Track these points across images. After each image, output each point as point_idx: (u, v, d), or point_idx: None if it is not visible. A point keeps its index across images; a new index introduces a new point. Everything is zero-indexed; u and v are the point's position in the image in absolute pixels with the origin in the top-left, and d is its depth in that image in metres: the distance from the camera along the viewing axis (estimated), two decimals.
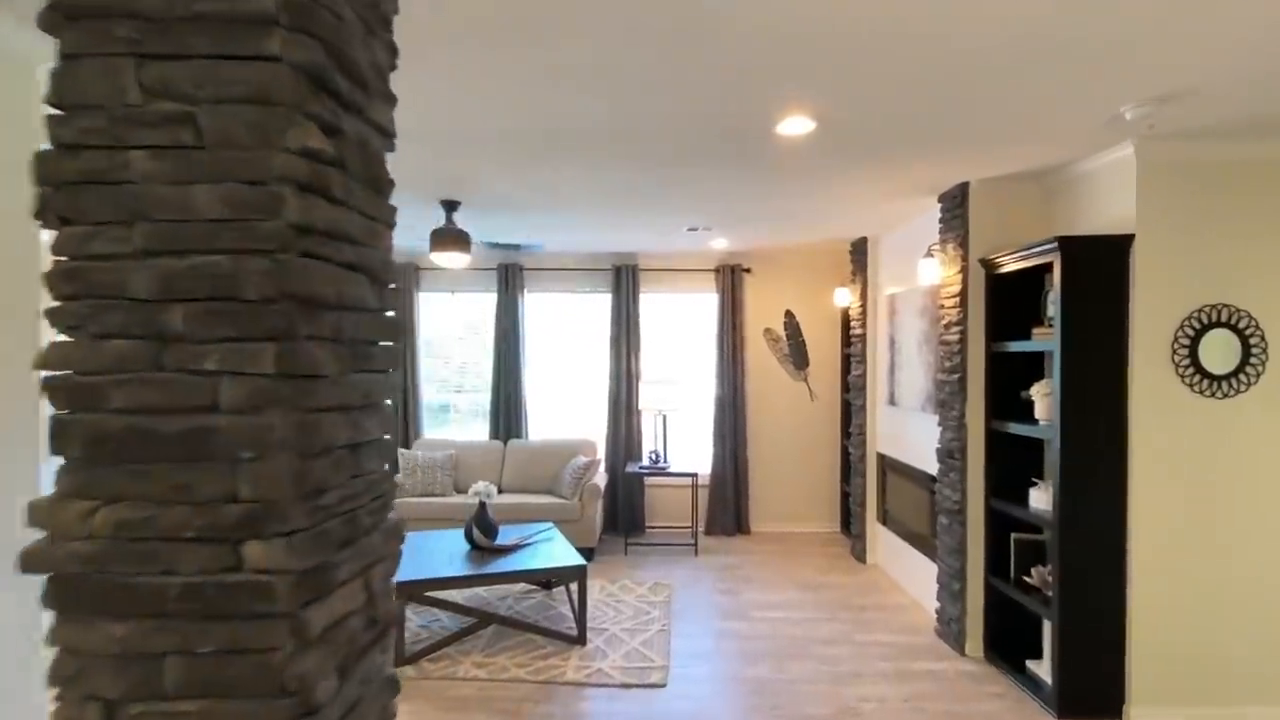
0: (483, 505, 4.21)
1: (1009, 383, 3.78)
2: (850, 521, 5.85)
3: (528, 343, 6.54)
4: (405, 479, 5.71)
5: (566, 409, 6.66)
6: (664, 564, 5.47)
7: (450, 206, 4.35)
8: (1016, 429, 3.57)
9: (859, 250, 5.68)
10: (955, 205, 3.98)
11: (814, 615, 4.42)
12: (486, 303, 6.62)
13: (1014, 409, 3.75)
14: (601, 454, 6.41)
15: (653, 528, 6.47)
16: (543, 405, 6.63)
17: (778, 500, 6.51)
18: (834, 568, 5.42)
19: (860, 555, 5.58)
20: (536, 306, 6.65)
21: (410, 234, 5.25)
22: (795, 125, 2.90)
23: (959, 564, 3.92)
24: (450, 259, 4.38)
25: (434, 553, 4.11)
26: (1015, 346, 3.60)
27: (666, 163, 3.49)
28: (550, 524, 4.75)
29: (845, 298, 6.02)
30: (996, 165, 3.56)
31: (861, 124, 2.91)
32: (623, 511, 6.27)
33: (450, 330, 6.73)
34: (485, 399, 6.55)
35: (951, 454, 4.00)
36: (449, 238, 4.31)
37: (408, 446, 6.35)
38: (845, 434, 6.27)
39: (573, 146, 3.24)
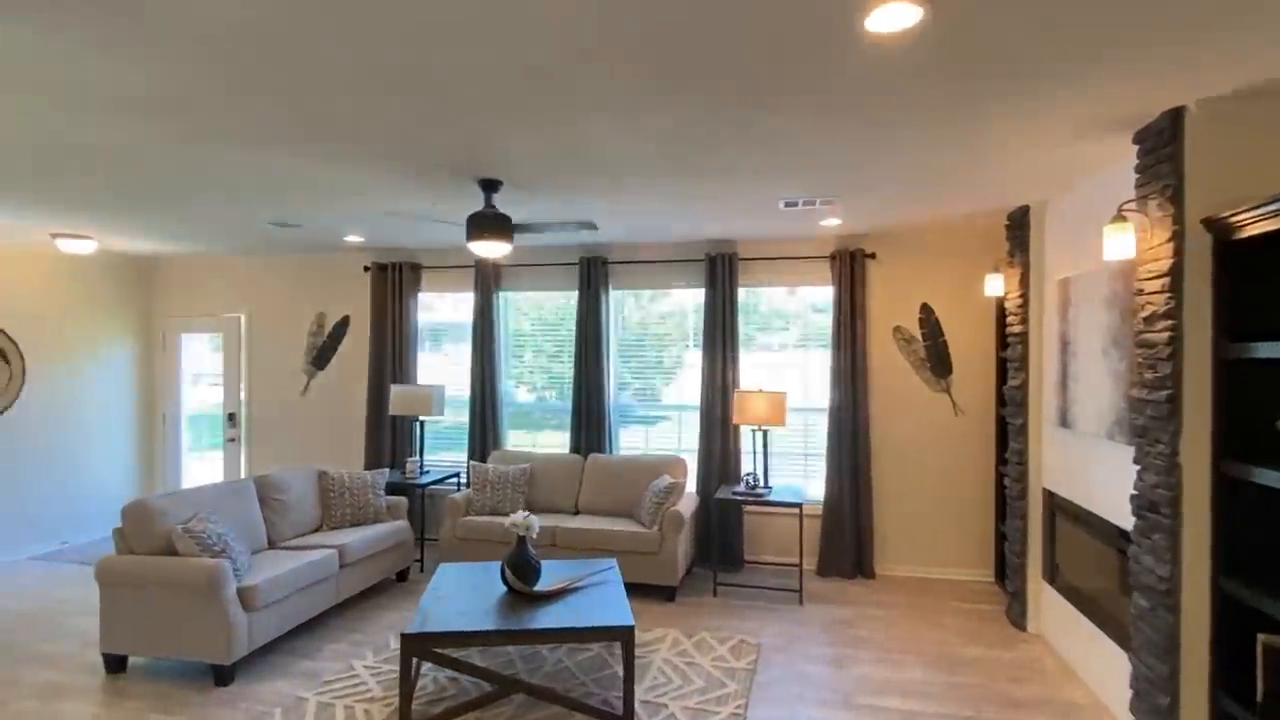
0: (521, 542, 3.53)
1: (1254, 405, 2.49)
2: (1006, 571, 4.56)
3: (613, 345, 5.83)
4: (475, 495, 5.20)
5: (657, 421, 5.86)
6: (759, 612, 4.52)
7: (489, 187, 3.71)
8: (1268, 478, 2.29)
9: (1018, 223, 4.39)
10: (1161, 144, 2.73)
11: (949, 711, 3.30)
12: (567, 302, 5.99)
13: (1262, 446, 2.46)
14: (692, 474, 5.55)
15: (754, 563, 5.51)
16: (630, 416, 5.89)
17: (911, 538, 5.30)
18: (982, 633, 4.19)
19: (1018, 619, 4.29)
20: (623, 304, 5.92)
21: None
22: (893, 15, 1.91)
23: (1167, 668, 2.66)
24: (489, 248, 3.74)
25: (463, 595, 3.49)
26: (1267, 351, 2.32)
27: (725, 101, 2.60)
28: (612, 562, 3.99)
29: (999, 286, 4.72)
30: (1231, 73, 2.32)
31: (1000, 7, 1.87)
32: (716, 543, 5.37)
33: (532, 332, 6.18)
34: (567, 408, 5.92)
35: (1155, 506, 2.75)
36: (486, 223, 3.67)
37: (483, 458, 5.86)
38: (1000, 459, 4.95)
39: (603, 86, 2.45)
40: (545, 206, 4.30)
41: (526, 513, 3.57)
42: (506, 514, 5.18)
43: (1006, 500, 4.54)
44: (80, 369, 6.22)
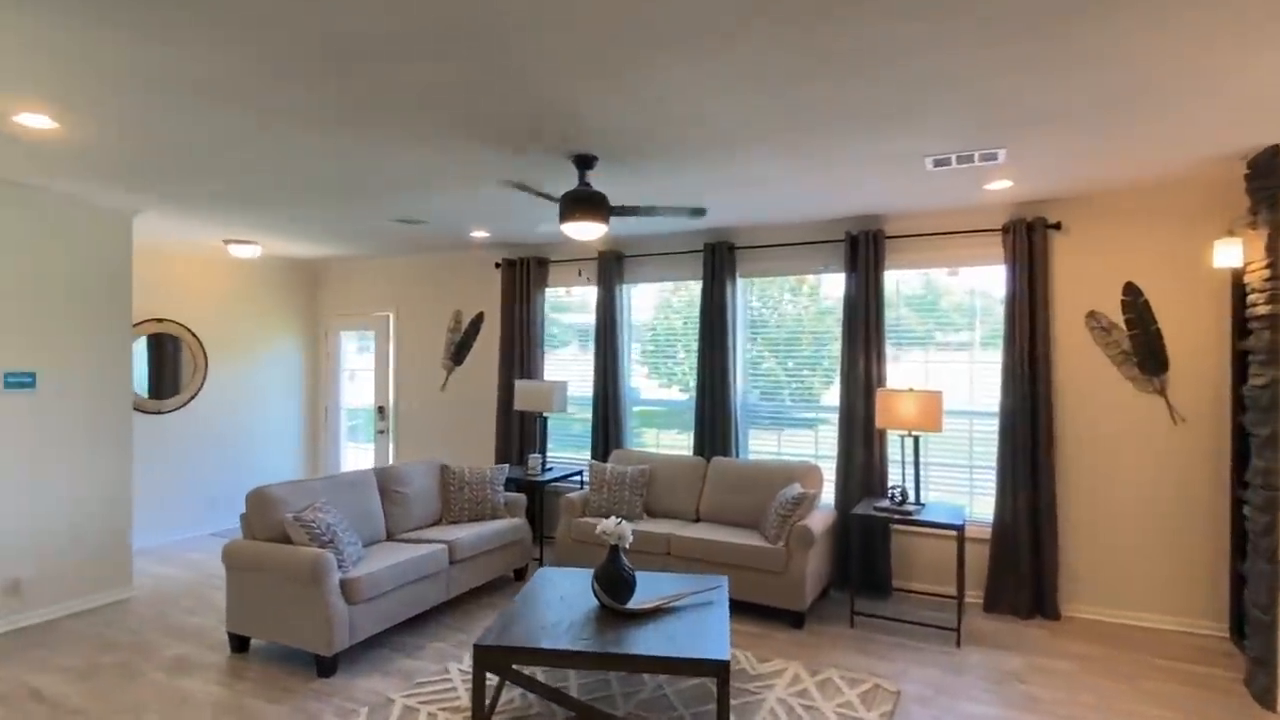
0: (613, 552, 3.18)
1: None
2: (1245, 627, 3.47)
3: (739, 339, 5.33)
4: (592, 496, 4.95)
5: (790, 423, 5.27)
6: (904, 652, 3.82)
7: (583, 164, 3.41)
8: None
9: (1264, 170, 3.32)
10: None
11: None
12: (691, 293, 5.59)
13: None
14: (830, 484, 4.90)
15: (903, 591, 4.75)
16: (759, 416, 5.35)
17: (1109, 573, 4.27)
18: (1208, 709, 3.19)
19: (1264, 694, 3.22)
20: (751, 293, 5.40)
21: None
22: None
23: None
24: (582, 229, 3.44)
25: (553, 604, 3.21)
26: None
27: (842, 14, 2.07)
28: (721, 581, 3.52)
29: (1235, 256, 3.63)
30: None
31: None
32: (857, 565, 4.69)
33: (655, 326, 5.83)
34: (692, 406, 5.51)
35: None
36: (578, 202, 3.37)
37: (604, 458, 5.62)
38: (1238, 481, 3.82)
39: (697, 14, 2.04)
40: (649, 185, 3.93)
41: (619, 519, 3.22)
42: (623, 516, 4.88)
43: (1248, 534, 3.46)
44: (254, 364, 6.84)
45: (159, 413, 6.02)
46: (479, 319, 6.48)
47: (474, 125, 2.99)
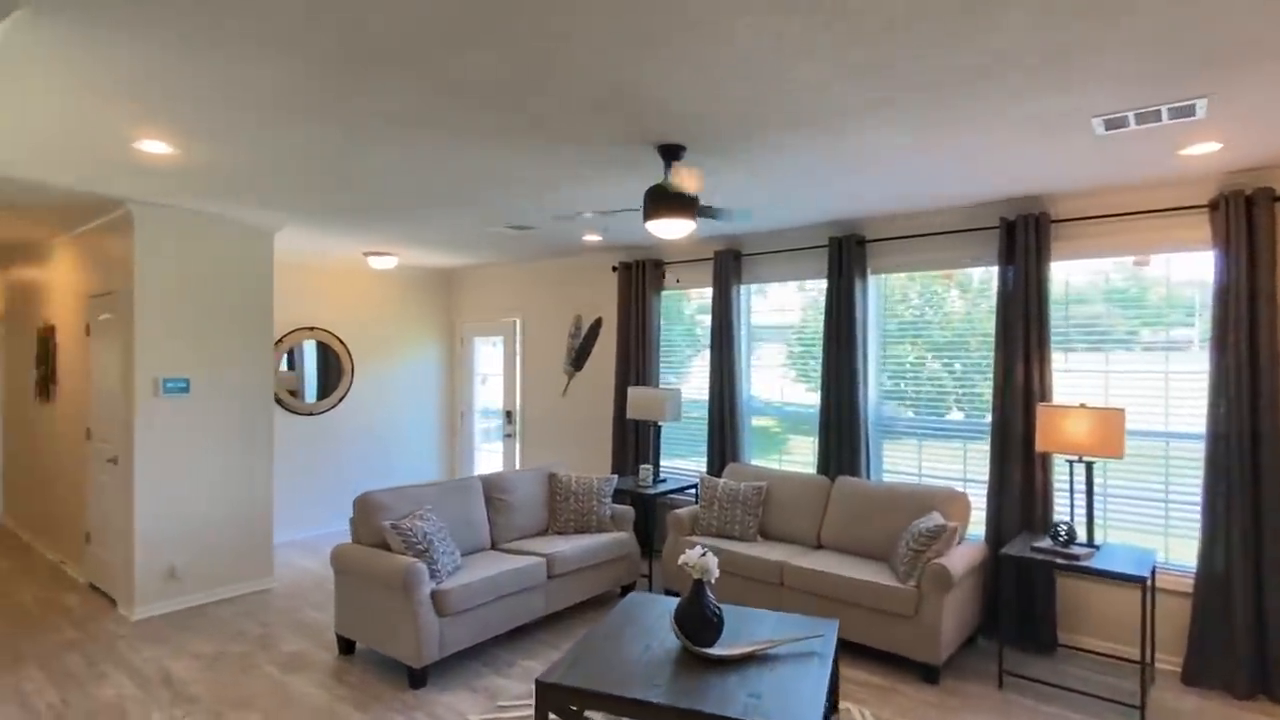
0: (698, 587, 2.83)
1: None
2: None
3: (871, 343, 4.73)
4: (702, 512, 4.62)
5: (933, 439, 4.59)
6: None
7: (670, 154, 3.10)
8: None
9: None
10: None
11: None
12: (817, 293, 5.06)
13: None
14: (979, 515, 4.19)
15: (1070, 648, 3.93)
16: (895, 431, 4.72)
17: None
18: None
19: None
20: (884, 291, 4.77)
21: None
22: None
23: None
24: (668, 227, 3.13)
25: (634, 638, 2.92)
26: None
27: None
28: (829, 626, 3.05)
29: None
30: None
31: None
32: (1011, 612, 3.96)
33: (776, 329, 5.36)
34: (814, 419, 4.98)
35: None
36: (663, 197, 3.06)
37: (719, 471, 5.25)
38: None
39: None
40: (745, 174, 3.52)
41: (703, 549, 2.86)
42: (734, 537, 4.50)
43: None
44: (396, 369, 7.23)
45: (311, 414, 6.51)
46: (598, 324, 6.36)
47: (543, 123, 2.78)
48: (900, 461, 4.69)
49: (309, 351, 6.50)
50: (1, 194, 4.02)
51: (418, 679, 3.47)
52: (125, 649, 3.89)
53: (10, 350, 6.84)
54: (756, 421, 5.41)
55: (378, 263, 6.27)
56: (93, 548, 4.92)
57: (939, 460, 4.53)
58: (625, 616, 3.19)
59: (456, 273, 7.66)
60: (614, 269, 6.13)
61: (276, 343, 6.24)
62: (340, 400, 6.72)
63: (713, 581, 2.85)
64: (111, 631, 4.13)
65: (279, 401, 6.26)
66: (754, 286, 5.40)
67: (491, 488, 4.57)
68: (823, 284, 4.95)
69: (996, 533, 4.07)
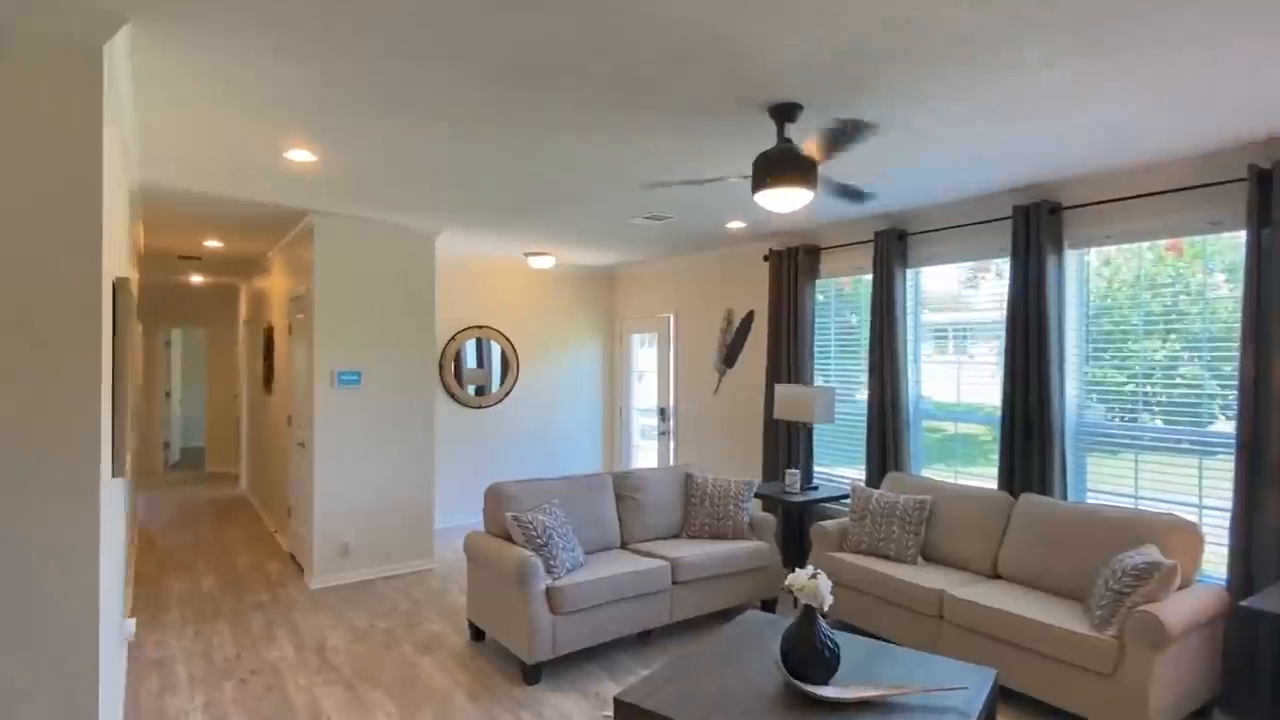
0: (809, 615, 2.43)
1: None
2: None
3: (1069, 333, 3.89)
4: (853, 526, 4.11)
5: (1152, 452, 3.65)
6: None
7: (782, 115, 2.72)
8: None
9: None
10: None
11: None
12: (993, 274, 4.28)
13: None
14: (1216, 554, 3.23)
15: None
16: (1100, 440, 3.83)
17: None
18: None
19: None
20: (1087, 268, 3.89)
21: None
22: None
23: None
24: (782, 198, 2.74)
25: (739, 663, 2.59)
26: None
27: None
28: (986, 677, 2.47)
29: None
30: None
31: None
32: (1261, 682, 2.99)
33: (950, 317, 4.63)
34: (997, 423, 4.21)
35: None
36: (776, 163, 2.69)
37: (878, 481, 4.65)
38: None
39: None
40: (876, 133, 2.99)
41: (815, 570, 2.45)
42: (889, 556, 3.93)
43: None
44: (558, 365, 7.43)
45: (480, 407, 6.89)
46: (749, 318, 6.00)
47: (637, 94, 2.56)
48: (1109, 479, 3.80)
49: (478, 348, 6.89)
50: (208, 210, 4.68)
51: (531, 675, 3.41)
52: (299, 616, 4.31)
53: (251, 348, 8.09)
54: (927, 426, 4.72)
55: (537, 262, 6.47)
56: (292, 522, 5.58)
57: (1163, 479, 3.58)
58: (737, 637, 2.86)
59: (615, 271, 7.71)
60: (765, 258, 5.73)
61: (449, 339, 6.68)
62: (507, 394, 7.04)
63: (825, 609, 2.43)
64: (294, 598, 4.62)
65: (450, 394, 6.70)
66: (922, 270, 4.72)
67: (623, 485, 4.44)
68: (1004, 262, 4.18)
69: (1244, 577, 3.10)
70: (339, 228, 4.92)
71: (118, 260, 2.79)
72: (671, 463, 6.84)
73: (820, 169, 3.51)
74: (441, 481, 6.64)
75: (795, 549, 5.13)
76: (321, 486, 4.85)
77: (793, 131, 2.90)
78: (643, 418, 7.53)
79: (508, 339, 7.07)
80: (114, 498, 2.60)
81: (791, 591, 2.44)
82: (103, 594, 2.05)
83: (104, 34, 2.01)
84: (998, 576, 3.69)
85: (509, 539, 3.79)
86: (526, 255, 6.47)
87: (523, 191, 4.11)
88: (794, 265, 5.35)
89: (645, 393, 7.49)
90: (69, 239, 1.98)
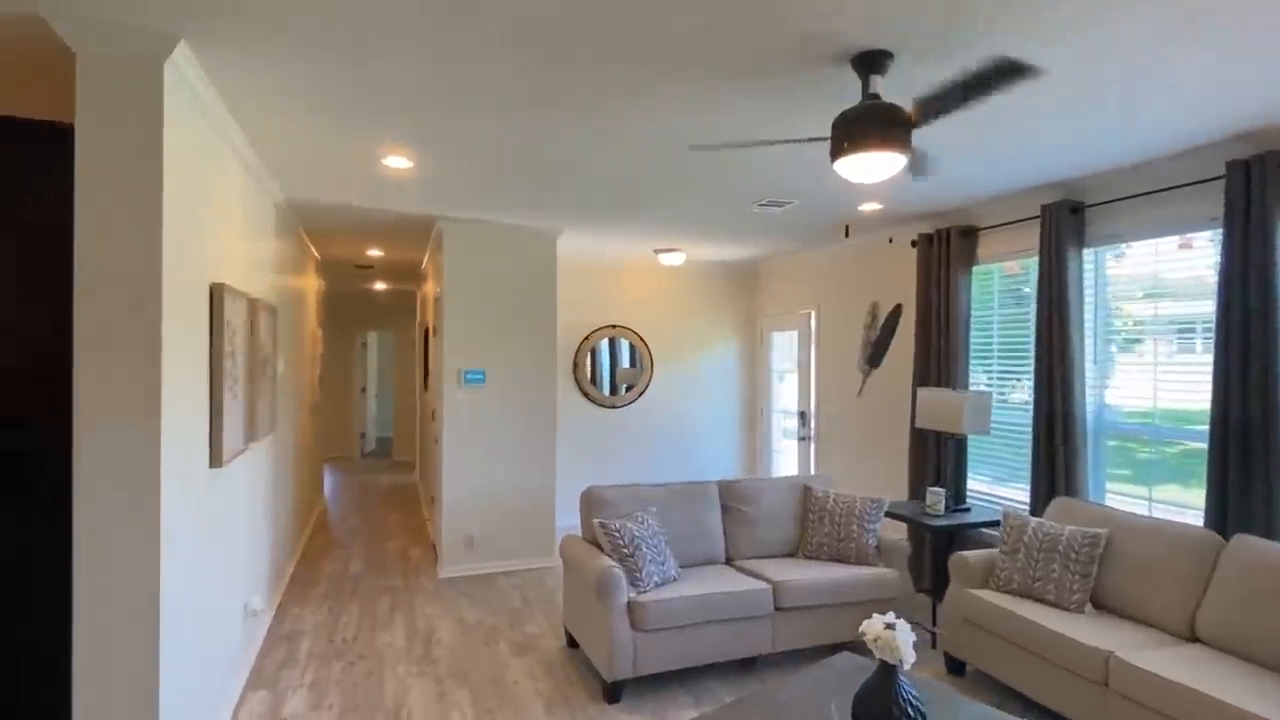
0: (886, 673, 1.98)
1: None
2: None
3: None
4: (1003, 560, 3.43)
5: None
6: None
7: (868, 66, 2.26)
8: None
9: None
10: None
11: None
12: (1195, 254, 3.34)
13: None
14: None
15: None
16: None
17: None
18: None
19: None
20: None
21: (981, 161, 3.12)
22: None
23: None
24: (866, 164, 2.29)
25: (810, 716, 2.19)
26: None
27: None
28: None
29: None
30: None
31: None
32: None
33: (1144, 306, 3.71)
34: (1200, 443, 3.28)
35: None
36: (860, 123, 2.24)
37: (1043, 505, 3.85)
38: None
39: None
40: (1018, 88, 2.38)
41: (894, 618, 1.99)
42: (1047, 601, 3.22)
43: None
44: (694, 365, 7.19)
45: (613, 407, 6.85)
46: (896, 312, 5.33)
47: (714, 57, 2.26)
48: None
49: (611, 348, 6.86)
50: (352, 221, 5.05)
51: (611, 693, 3.23)
52: (420, 603, 4.51)
53: (420, 349, 8.78)
54: (1110, 441, 3.84)
55: (667, 259, 6.29)
56: (433, 511, 5.91)
57: None
58: (818, 683, 2.45)
59: (757, 265, 7.30)
60: (913, 243, 5.05)
61: (583, 339, 6.72)
62: (640, 395, 6.94)
63: (906, 666, 1.96)
64: (422, 586, 4.86)
65: (584, 394, 6.73)
66: (1105, 250, 3.85)
67: (730, 496, 4.10)
68: (1214, 235, 3.25)
69: None
70: (463, 231, 5.10)
71: (230, 269, 3.03)
72: (811, 471, 6.31)
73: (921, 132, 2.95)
74: (572, 481, 6.69)
75: (940, 579, 4.44)
76: (448, 480, 5.06)
77: (883, 86, 2.41)
78: (786, 420, 7.06)
79: (641, 338, 6.96)
80: (225, 484, 2.81)
81: (869, 644, 2.00)
82: (164, 572, 2.18)
83: (161, 53, 2.14)
84: (1195, 639, 2.86)
85: (600, 546, 3.63)
86: (656, 252, 6.31)
87: (622, 182, 3.93)
88: (945, 250, 4.64)
89: (787, 394, 7.01)
90: (132, 244, 2.12)
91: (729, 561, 3.98)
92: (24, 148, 2.22)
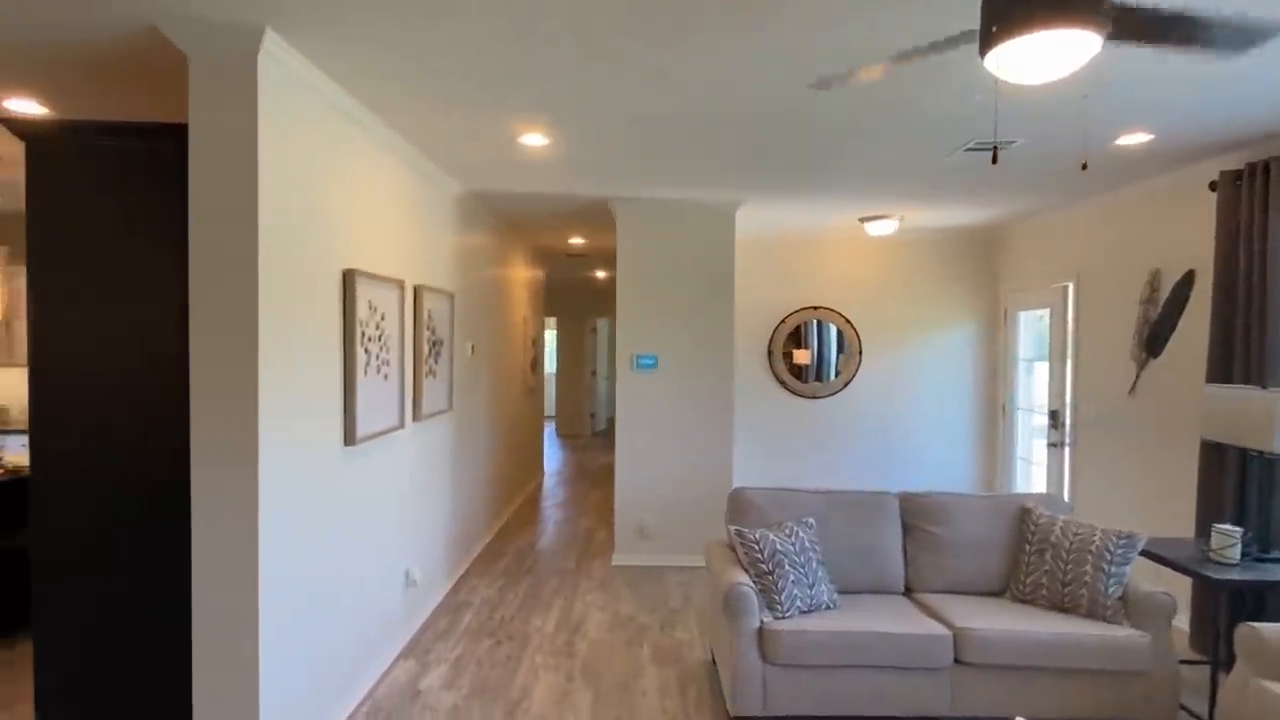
0: None
1: None
2: None
3: None
4: None
5: None
6: None
7: None
8: None
9: None
10: None
11: None
12: None
13: None
14: None
15: None
16: None
17: None
18: None
19: None
20: None
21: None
22: None
23: None
24: (1036, 53, 1.54)
25: None
26: None
27: None
28: None
29: None
30: None
31: None
32: None
33: None
34: None
35: None
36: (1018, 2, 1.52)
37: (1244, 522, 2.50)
38: None
39: None
40: None
41: None
42: None
43: None
44: (914, 350, 6.20)
45: (814, 397, 6.20)
46: (1187, 281, 3.95)
47: None
48: None
49: (815, 331, 6.20)
50: (531, 208, 5.13)
51: None
52: (584, 590, 4.46)
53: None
54: None
55: (875, 229, 5.46)
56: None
57: None
58: None
59: (994, 231, 6.05)
60: (1211, 186, 3.67)
61: (780, 322, 6.17)
62: (846, 385, 6.19)
63: None
64: (592, 572, 4.82)
65: (779, 382, 6.18)
66: None
67: (915, 512, 3.35)
68: None
69: None
70: (634, 210, 4.90)
71: (376, 256, 3.16)
72: (1065, 483, 5.05)
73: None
74: (758, 478, 6.19)
75: (1224, 650, 3.18)
76: (621, 466, 4.95)
77: None
78: (1037, 420, 5.77)
79: (848, 320, 6.18)
80: (366, 461, 2.94)
81: None
82: (263, 539, 2.29)
83: (250, 46, 2.21)
84: None
85: (738, 558, 3.19)
86: (862, 221, 5.51)
87: (789, 134, 3.39)
88: (1262, 191, 3.28)
89: (1038, 389, 5.71)
90: (231, 232, 2.23)
91: (908, 593, 3.26)
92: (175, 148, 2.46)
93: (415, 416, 3.72)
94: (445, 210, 4.29)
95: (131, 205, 2.37)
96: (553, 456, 9.78)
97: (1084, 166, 2.17)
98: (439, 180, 4.10)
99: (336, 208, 2.82)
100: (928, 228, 5.95)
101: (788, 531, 3.07)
